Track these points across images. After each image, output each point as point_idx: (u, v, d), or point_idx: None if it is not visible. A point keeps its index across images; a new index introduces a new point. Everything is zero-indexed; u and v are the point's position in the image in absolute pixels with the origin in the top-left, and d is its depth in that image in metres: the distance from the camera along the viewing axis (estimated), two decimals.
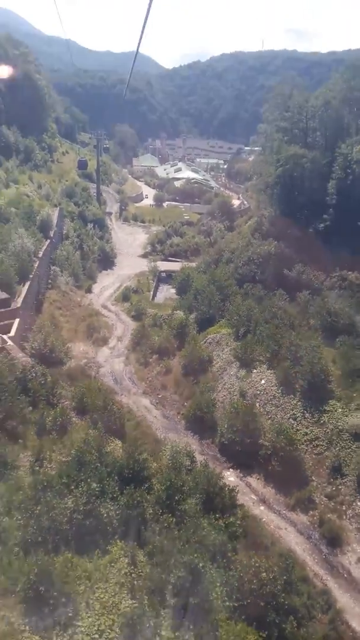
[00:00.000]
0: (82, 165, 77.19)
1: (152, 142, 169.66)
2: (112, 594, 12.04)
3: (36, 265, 37.24)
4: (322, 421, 21.82)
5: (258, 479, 21.01)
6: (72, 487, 14.16)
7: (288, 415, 22.92)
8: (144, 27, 9.02)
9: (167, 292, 49.45)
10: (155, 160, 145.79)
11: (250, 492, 20.21)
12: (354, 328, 29.25)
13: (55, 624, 10.58)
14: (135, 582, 12.54)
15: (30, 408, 21.19)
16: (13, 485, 14.63)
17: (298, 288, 35.72)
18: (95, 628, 10.80)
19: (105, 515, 14.00)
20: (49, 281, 41.90)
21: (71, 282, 44.63)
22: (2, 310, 29.92)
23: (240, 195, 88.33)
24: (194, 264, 51.07)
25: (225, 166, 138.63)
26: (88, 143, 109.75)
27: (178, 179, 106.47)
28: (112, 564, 13.06)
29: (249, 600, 12.58)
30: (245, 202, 75.84)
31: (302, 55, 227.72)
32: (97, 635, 10.70)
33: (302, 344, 25.28)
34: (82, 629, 10.69)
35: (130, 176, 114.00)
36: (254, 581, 12.70)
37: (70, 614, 10.80)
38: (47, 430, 20.02)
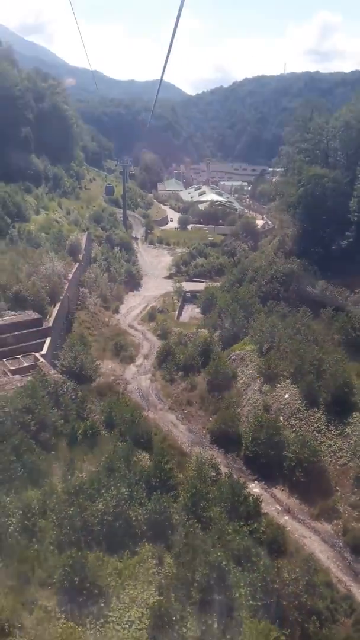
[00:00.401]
0: (109, 191, 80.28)
1: (177, 167, 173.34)
2: (141, 590, 12.81)
3: (66, 287, 38.96)
4: (345, 433, 22.25)
5: (282, 490, 21.50)
6: (103, 492, 15.07)
7: (312, 428, 23.40)
8: (168, 55, 9.86)
9: (192, 312, 50.51)
10: (180, 185, 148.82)
11: (274, 502, 20.70)
12: None
13: (89, 614, 11.39)
14: (162, 581, 13.28)
15: (62, 421, 22.34)
16: (47, 490, 15.63)
17: (322, 305, 36.21)
18: (125, 619, 11.57)
19: (133, 518, 14.85)
20: (78, 302, 43.60)
21: (99, 303, 46.29)
22: (35, 329, 31.48)
23: (264, 216, 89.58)
24: (218, 284, 52.15)
25: (249, 188, 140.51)
26: (114, 170, 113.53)
27: (202, 201, 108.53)
28: (141, 564, 13.84)
29: (271, 600, 13.11)
30: (269, 223, 76.99)
31: (324, 76, 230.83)
32: (127, 626, 11.46)
33: (326, 358, 25.82)
34: (113, 619, 11.47)
35: (155, 200, 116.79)
36: (277, 581, 13.25)
37: (102, 605, 11.61)
38: (78, 441, 21.08)
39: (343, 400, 23.58)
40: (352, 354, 28.49)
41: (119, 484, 15.33)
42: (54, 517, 13.99)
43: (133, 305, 51.17)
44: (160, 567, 13.87)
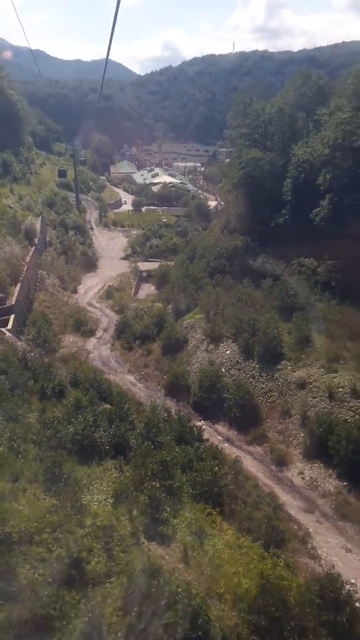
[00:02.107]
0: (62, 174, 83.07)
1: (129, 149, 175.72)
2: (106, 486, 17.22)
3: (25, 269, 42.40)
4: (275, 377, 27.34)
5: (223, 425, 26.48)
6: (72, 420, 19.35)
7: (248, 375, 28.42)
8: (112, 34, 9.68)
9: (148, 290, 54.78)
10: (133, 167, 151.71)
11: (217, 434, 25.59)
12: (307, 306, 34.84)
13: (67, 498, 15.70)
14: (121, 480, 17.73)
15: (32, 382, 26.36)
16: (25, 424, 19.75)
17: (263, 276, 41.15)
18: (95, 499, 15.96)
19: (98, 439, 19.19)
20: (37, 284, 47.05)
21: (57, 284, 49.85)
22: None
23: (217, 197, 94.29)
24: (172, 263, 56.53)
25: (203, 169, 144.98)
26: (64, 153, 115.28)
27: (155, 183, 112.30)
28: (105, 472, 18.24)
29: (206, 489, 17.82)
30: (222, 203, 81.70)
31: (273, 55, 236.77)
32: (96, 503, 15.86)
33: (260, 318, 30.78)
34: (86, 499, 15.84)
35: (108, 183, 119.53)
36: (210, 474, 17.96)
37: (76, 490, 15.93)
38: (48, 396, 25.19)
39: (273, 352, 28.65)
40: (287, 316, 33.58)
41: (85, 415, 19.65)
42: (34, 439, 18.16)
43: (90, 286, 54.95)
44: (120, 473, 18.29)
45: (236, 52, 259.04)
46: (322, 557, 17.40)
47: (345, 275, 36.81)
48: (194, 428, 22.86)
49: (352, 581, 15.86)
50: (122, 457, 19.23)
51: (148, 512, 14.39)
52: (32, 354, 29.06)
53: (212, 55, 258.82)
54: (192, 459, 20.04)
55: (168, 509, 14.95)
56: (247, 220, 46.82)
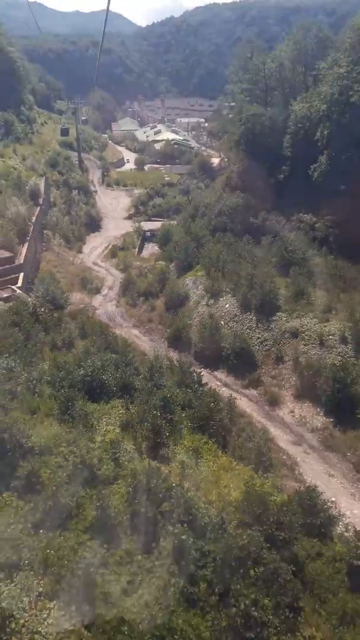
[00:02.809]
0: (64, 132, 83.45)
1: (131, 105, 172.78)
2: (114, 420, 19.46)
3: (31, 229, 43.96)
4: (270, 327, 29.29)
5: (222, 372, 28.68)
6: (82, 364, 21.48)
7: (245, 327, 30.38)
8: None
9: (151, 249, 56.20)
10: (135, 124, 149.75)
11: (215, 380, 27.78)
12: (305, 261, 36.38)
13: (80, 427, 17.92)
14: (127, 417, 19.96)
15: (44, 334, 28.46)
16: (40, 368, 21.91)
17: (263, 233, 42.53)
18: (104, 429, 18.19)
19: (106, 381, 21.35)
20: (43, 244, 48.69)
21: (63, 244, 51.46)
22: (8, 266, 36.88)
23: (220, 153, 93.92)
24: (175, 222, 57.69)
25: (207, 124, 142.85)
26: (65, 111, 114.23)
27: (158, 141, 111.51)
28: (112, 409, 20.46)
29: (203, 422, 20.02)
30: (225, 160, 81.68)
31: (278, 3, 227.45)
32: (104, 434, 18.10)
33: (257, 273, 32.46)
34: (98, 430, 18.06)
35: (110, 142, 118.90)
36: (207, 410, 20.14)
37: (90, 423, 18.10)
38: (58, 347, 27.32)
39: (269, 305, 30.52)
40: (285, 271, 35.21)
41: (94, 359, 21.77)
42: (48, 380, 20.33)
43: (95, 246, 56.48)
44: (126, 411, 20.51)
45: (240, 0, 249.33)
46: (307, 480, 19.71)
47: (342, 231, 38.10)
48: (194, 373, 24.97)
49: (333, 499, 18.19)
50: (127, 397, 21.40)
51: (150, 437, 16.55)
52: (42, 309, 31.10)
53: (216, 4, 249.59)
54: (191, 399, 22.23)
55: (168, 434, 17.08)
56: (248, 177, 47.76)
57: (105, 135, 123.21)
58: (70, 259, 49.77)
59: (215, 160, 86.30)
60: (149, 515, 11.52)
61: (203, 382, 24.95)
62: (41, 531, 11.07)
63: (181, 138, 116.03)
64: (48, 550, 10.54)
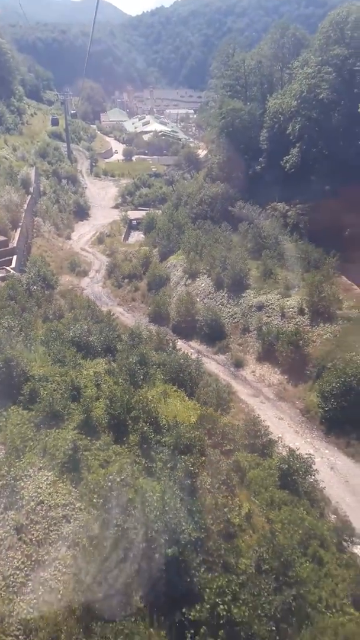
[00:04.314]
0: (54, 122, 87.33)
1: (120, 96, 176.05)
2: (99, 369, 23.55)
3: (23, 216, 47.80)
4: (239, 303, 33.58)
5: (196, 341, 32.99)
6: (71, 327, 25.55)
7: (218, 302, 34.65)
8: None
9: (137, 237, 60.24)
10: (124, 115, 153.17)
11: (190, 348, 31.97)
12: (277, 245, 40.63)
13: (69, 364, 21.95)
14: (109, 367, 24.07)
15: (36, 307, 32.48)
16: (34, 333, 25.97)
17: (240, 220, 46.64)
18: (92, 372, 22.18)
19: (92, 342, 25.43)
20: (34, 230, 52.53)
21: (53, 230, 55.34)
22: (2, 249, 40.79)
23: (207, 145, 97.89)
24: (160, 212, 61.71)
25: (195, 116, 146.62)
26: (54, 101, 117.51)
27: (146, 132, 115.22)
28: (97, 364, 24.57)
29: (174, 375, 24.15)
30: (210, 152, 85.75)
31: None
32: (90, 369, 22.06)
33: (230, 255, 36.66)
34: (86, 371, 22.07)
35: (99, 132, 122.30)
36: (177, 365, 24.29)
37: (76, 362, 22.12)
38: (50, 319, 31.35)
39: (240, 283, 34.79)
40: (258, 255, 39.47)
41: (82, 324, 25.87)
42: (42, 340, 24.38)
43: (83, 233, 60.40)
44: (109, 365, 24.64)
45: None
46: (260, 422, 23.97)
47: (311, 218, 42.42)
48: (169, 340, 29.14)
49: (279, 435, 22.52)
50: (110, 356, 25.51)
51: (127, 378, 20.66)
52: (35, 287, 35.15)
53: None
54: (165, 360, 26.38)
55: (142, 377, 21.20)
56: (228, 168, 51.86)
57: (94, 126, 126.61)
58: (59, 244, 53.64)
59: (202, 152, 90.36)
60: (121, 419, 15.75)
61: (178, 348, 29.11)
62: (41, 427, 15.26)
63: (169, 130, 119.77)
64: (47, 438, 14.75)
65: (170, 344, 29.07)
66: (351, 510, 18.75)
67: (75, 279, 45.27)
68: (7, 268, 38.94)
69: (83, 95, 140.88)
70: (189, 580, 11.25)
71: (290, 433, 23.46)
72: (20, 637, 10.34)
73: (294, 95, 43.00)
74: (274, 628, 11.36)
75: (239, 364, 29.72)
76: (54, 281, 41.25)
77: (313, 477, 18.39)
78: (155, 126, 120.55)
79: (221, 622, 10.68)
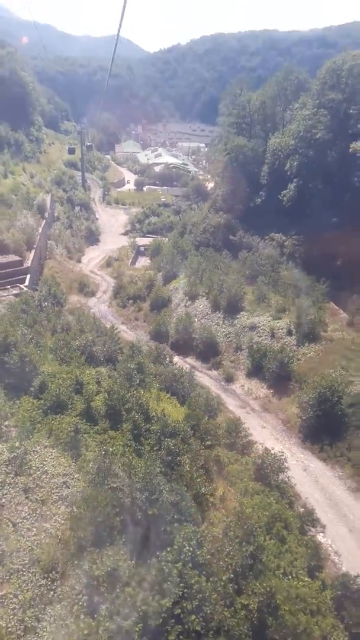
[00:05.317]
0: (71, 151, 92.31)
1: (134, 128, 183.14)
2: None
3: (37, 239, 51.38)
4: (234, 323, 36.44)
5: (192, 358, 35.75)
6: (77, 337, 28.46)
7: (214, 322, 37.55)
8: (123, 11, 11.48)
9: (144, 263, 63.69)
10: (138, 146, 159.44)
11: (186, 363, 34.73)
12: (272, 272, 43.72)
13: (75, 365, 24.79)
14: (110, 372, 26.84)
15: (46, 321, 35.52)
16: (46, 344, 28.90)
17: (240, 248, 49.98)
18: (94, 372, 25.01)
19: (95, 352, 28.30)
20: (47, 252, 56.09)
21: (64, 254, 58.91)
22: (18, 268, 44.13)
23: (214, 178, 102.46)
24: (166, 239, 65.33)
25: (206, 149, 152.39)
26: (71, 131, 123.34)
27: (158, 164, 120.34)
28: (99, 373, 27.36)
29: (168, 384, 26.87)
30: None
31: (283, 35, 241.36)
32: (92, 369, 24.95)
33: (227, 279, 39.71)
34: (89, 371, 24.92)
35: (113, 162, 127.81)
36: (171, 375, 27.03)
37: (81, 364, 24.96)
38: (58, 331, 34.31)
39: (235, 306, 37.73)
40: (255, 281, 42.50)
41: (87, 335, 28.80)
42: (51, 347, 27.29)
43: (93, 257, 63.98)
44: (112, 371, 27.43)
45: (245, 31, 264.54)
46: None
47: (306, 248, 45.60)
48: (167, 356, 31.94)
49: (261, 442, 25.07)
50: (112, 365, 28.34)
51: (126, 382, 23.42)
52: (46, 303, 38.29)
53: (221, 34, 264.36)
54: (162, 371, 29.15)
55: (138, 381, 23.97)
56: (231, 200, 55.50)
57: (108, 157, 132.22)
58: (70, 267, 57.09)
59: (210, 184, 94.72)
60: (117, 409, 18.53)
61: (174, 362, 31.89)
62: (49, 413, 18.07)
63: (180, 162, 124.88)
64: (53, 422, 17.57)
65: (168, 358, 31.89)
66: (318, 504, 21.15)
67: (83, 299, 48.44)
68: (21, 285, 42.20)
69: (99, 127, 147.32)
70: (163, 530, 13.82)
71: (271, 440, 25.96)
72: (25, 567, 12.94)
73: (293, 135, 46.73)
74: (232, 576, 13.80)
75: (229, 379, 32.43)
76: (64, 299, 44.43)
77: (284, 472, 20.89)
78: (166, 158, 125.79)
79: (188, 565, 13.15)
